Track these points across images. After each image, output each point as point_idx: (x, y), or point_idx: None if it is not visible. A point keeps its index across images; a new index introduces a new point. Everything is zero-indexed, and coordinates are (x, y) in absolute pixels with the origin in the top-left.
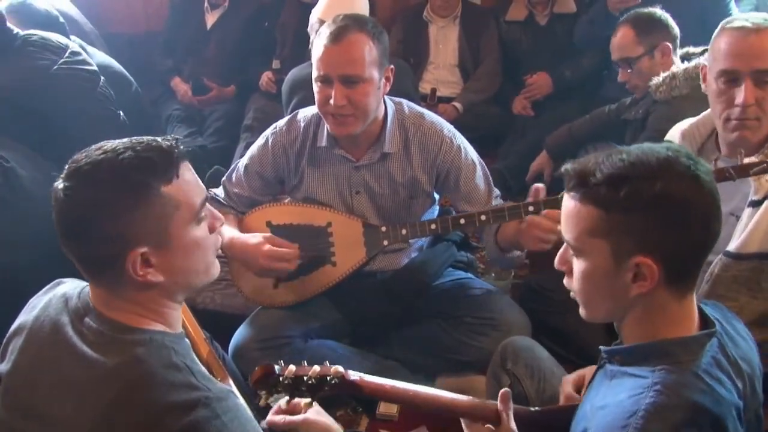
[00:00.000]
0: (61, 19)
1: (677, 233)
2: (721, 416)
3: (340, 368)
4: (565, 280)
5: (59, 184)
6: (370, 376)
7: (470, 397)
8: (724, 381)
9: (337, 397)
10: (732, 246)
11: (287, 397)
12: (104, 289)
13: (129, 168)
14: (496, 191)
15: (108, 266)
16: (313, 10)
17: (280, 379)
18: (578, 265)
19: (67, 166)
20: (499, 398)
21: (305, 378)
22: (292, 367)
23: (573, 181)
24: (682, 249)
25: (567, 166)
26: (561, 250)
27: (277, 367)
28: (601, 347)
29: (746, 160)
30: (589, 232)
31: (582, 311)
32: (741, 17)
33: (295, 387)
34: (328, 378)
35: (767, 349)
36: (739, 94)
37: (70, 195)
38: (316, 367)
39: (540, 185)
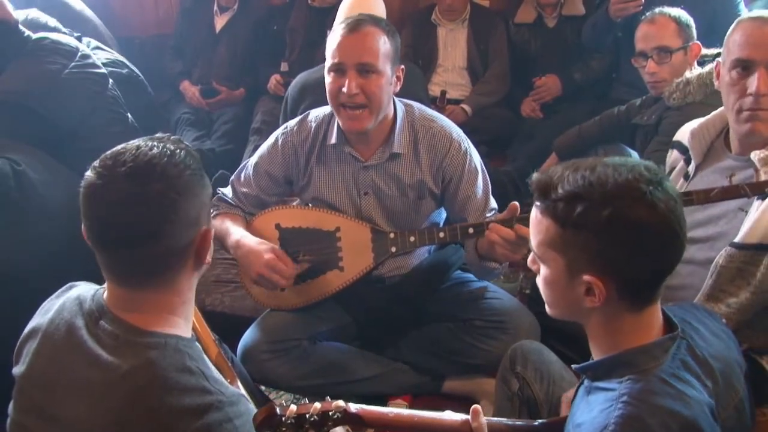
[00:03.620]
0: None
1: (629, 256)
2: (692, 417)
3: (341, 403)
4: (537, 278)
5: (116, 193)
6: (372, 407)
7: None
8: (692, 382)
9: None
10: (737, 237)
11: None
12: (139, 291)
13: (185, 156)
14: (493, 204)
15: (181, 256)
16: (336, 20)
17: (283, 419)
18: (542, 270)
19: (111, 172)
20: (470, 414)
21: (308, 416)
22: (293, 407)
23: (536, 193)
24: (635, 271)
25: (533, 177)
26: (532, 253)
27: (278, 408)
28: (573, 366)
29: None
30: (548, 244)
31: (547, 308)
32: (757, 12)
33: (299, 426)
34: (331, 413)
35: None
36: (752, 83)
37: (142, 194)
38: (317, 404)
39: (516, 204)
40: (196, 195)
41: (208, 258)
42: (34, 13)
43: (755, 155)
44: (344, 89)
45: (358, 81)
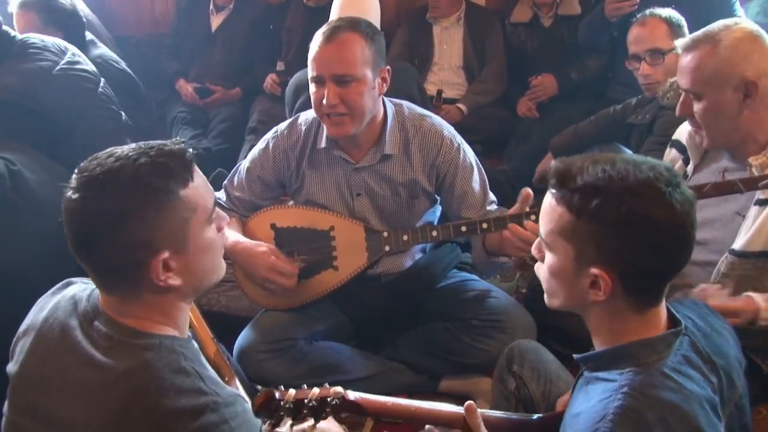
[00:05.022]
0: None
1: (640, 253)
2: (690, 412)
3: (340, 389)
4: (536, 265)
5: (71, 194)
6: (370, 395)
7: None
8: (694, 377)
9: None
10: (737, 244)
11: (290, 422)
12: (117, 297)
13: (148, 174)
14: (492, 197)
15: (127, 274)
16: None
17: (281, 404)
18: (547, 257)
19: (76, 176)
20: (464, 411)
21: (306, 401)
22: (291, 392)
23: (554, 180)
24: (643, 269)
25: (553, 163)
26: (538, 240)
27: (277, 393)
28: (574, 355)
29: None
30: (559, 232)
31: (545, 297)
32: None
33: (297, 411)
34: (329, 399)
35: None
36: None
37: (87, 205)
38: (316, 390)
39: (528, 189)
40: (146, 218)
41: (177, 282)
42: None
43: (753, 160)
44: (324, 101)
45: (337, 91)
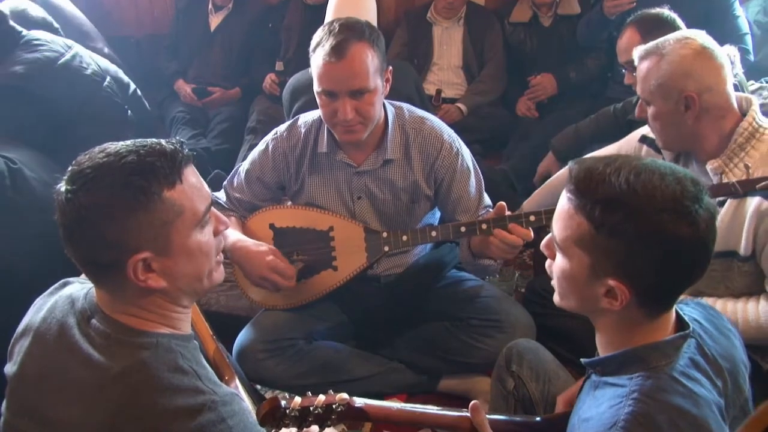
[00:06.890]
0: (56, 24)
1: (659, 269)
2: (701, 416)
3: (345, 396)
4: (547, 262)
5: (62, 186)
6: (375, 401)
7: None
8: (702, 381)
9: None
10: None
11: (295, 429)
12: (108, 293)
13: (130, 173)
14: (487, 201)
15: (109, 270)
16: (326, 19)
17: (287, 411)
18: (559, 259)
19: (70, 168)
20: (469, 410)
21: (311, 408)
22: (297, 399)
23: (573, 186)
24: (660, 283)
25: (572, 165)
26: (548, 237)
27: (283, 401)
28: (582, 359)
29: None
30: (575, 241)
31: (555, 297)
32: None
33: (303, 418)
34: (334, 406)
35: None
36: None
37: (71, 198)
38: (322, 397)
39: (503, 204)
40: (122, 217)
41: (160, 283)
42: (24, 4)
43: (710, 165)
44: (339, 114)
45: (353, 104)
